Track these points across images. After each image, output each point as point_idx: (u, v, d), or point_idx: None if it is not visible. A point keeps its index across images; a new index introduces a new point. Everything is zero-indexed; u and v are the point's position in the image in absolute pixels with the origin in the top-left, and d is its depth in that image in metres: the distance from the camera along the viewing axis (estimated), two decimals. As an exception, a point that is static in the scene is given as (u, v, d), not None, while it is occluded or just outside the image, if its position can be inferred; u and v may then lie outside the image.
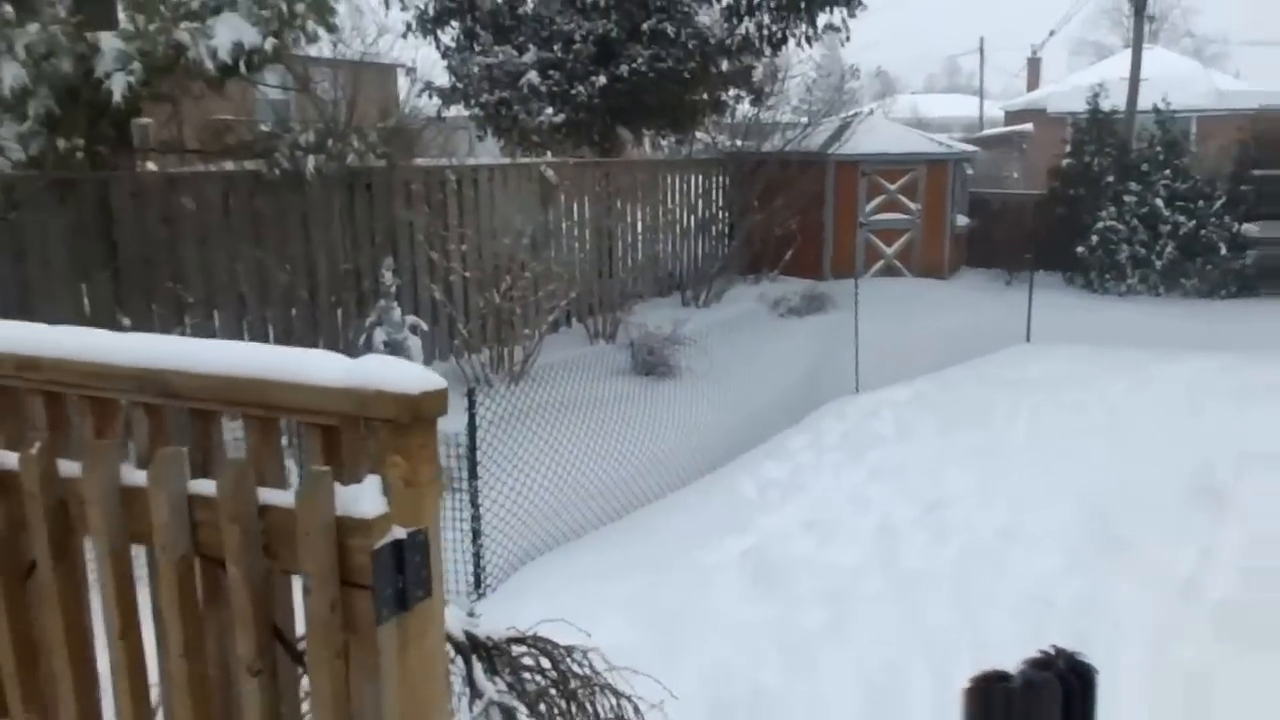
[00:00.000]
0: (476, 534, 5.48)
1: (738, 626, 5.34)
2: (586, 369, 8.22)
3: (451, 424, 5.66)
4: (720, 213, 13.22)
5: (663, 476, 6.85)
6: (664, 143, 13.88)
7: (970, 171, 14.86)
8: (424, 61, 12.68)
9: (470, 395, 5.62)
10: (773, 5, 12.62)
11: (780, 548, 6.06)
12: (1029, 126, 24.71)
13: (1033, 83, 32.85)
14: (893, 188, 13.65)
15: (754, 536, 6.19)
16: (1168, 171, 13.03)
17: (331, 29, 7.09)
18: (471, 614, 3.83)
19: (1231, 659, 4.78)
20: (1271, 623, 5.00)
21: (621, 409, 7.73)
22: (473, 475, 5.49)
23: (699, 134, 13.76)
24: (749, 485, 6.83)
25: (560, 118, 11.76)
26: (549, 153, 12.04)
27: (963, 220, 14.36)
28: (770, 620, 5.40)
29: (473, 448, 5.47)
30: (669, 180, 12.39)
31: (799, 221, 12.83)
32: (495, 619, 5.30)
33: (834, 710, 4.66)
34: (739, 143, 13.25)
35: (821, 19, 13.00)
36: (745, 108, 13.39)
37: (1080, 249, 13.16)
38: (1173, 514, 6.24)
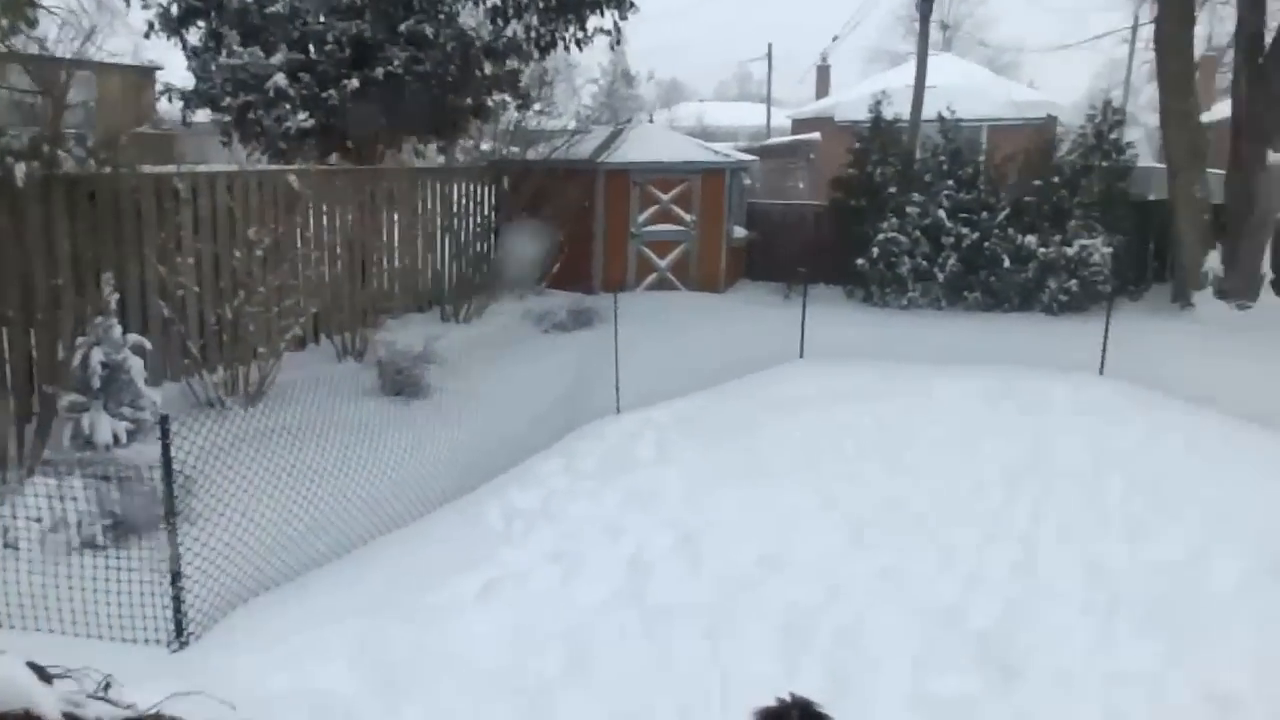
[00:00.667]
0: (176, 576, 4.99)
1: (470, 673, 4.99)
2: (331, 389, 7.66)
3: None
4: (485, 224, 12.84)
5: (402, 506, 6.43)
6: (425, 150, 13.36)
7: (749, 181, 15.15)
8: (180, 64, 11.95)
9: (164, 424, 5.09)
10: (541, 6, 12.45)
11: (522, 584, 5.74)
12: (816, 135, 25.66)
13: (822, 90, 34.31)
14: (666, 198, 13.71)
15: (495, 571, 5.86)
16: (951, 182, 13.49)
17: (32, 24, 6.95)
18: (107, 685, 3.19)
19: (992, 688, 4.81)
20: (1029, 651, 5.08)
21: (365, 433, 7.24)
22: (170, 513, 5.20)
23: (463, 141, 13.34)
24: (495, 514, 6.47)
25: (310, 123, 11.17)
26: (299, 160, 11.38)
27: (741, 232, 14.61)
28: (507, 665, 5.08)
29: (169, 481, 5.13)
30: (429, 189, 11.93)
31: (568, 233, 12.63)
32: (199, 670, 4.74)
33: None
34: (506, 150, 12.91)
35: (592, 22, 12.93)
36: (513, 114, 13.08)
37: (861, 261, 13.47)
38: (941, 536, 6.34)
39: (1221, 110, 17.75)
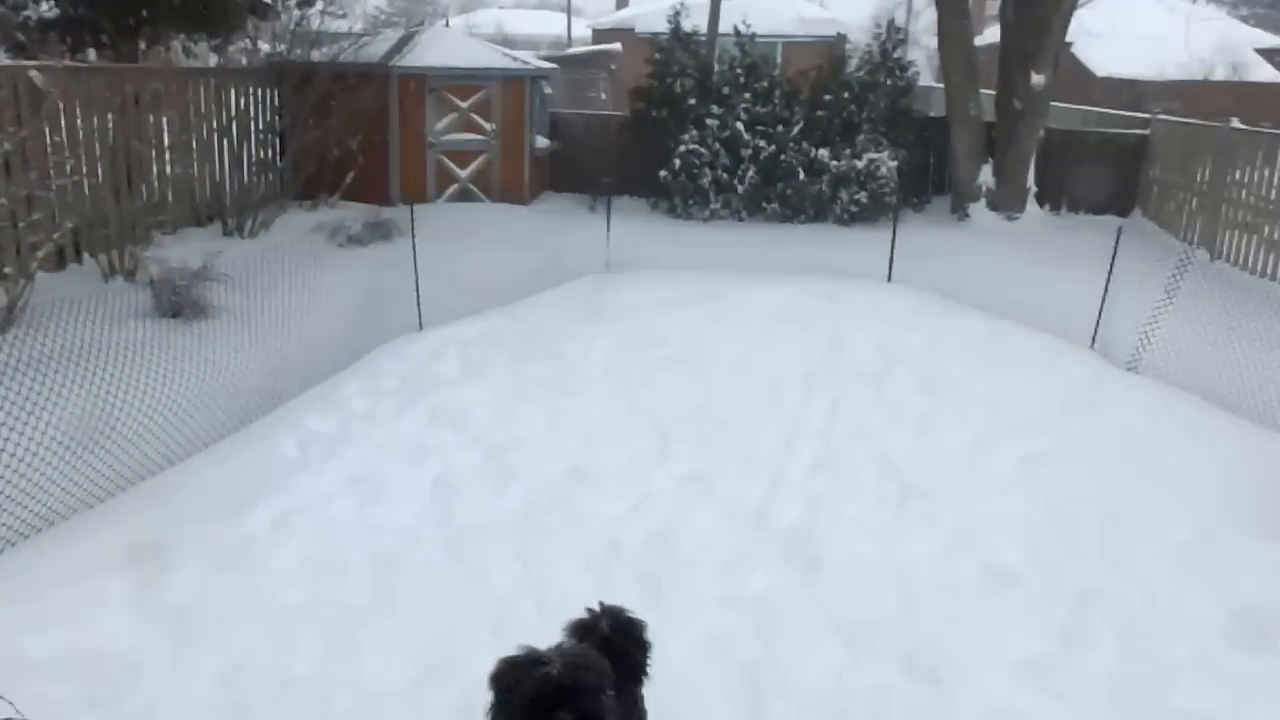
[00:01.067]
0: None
1: (270, 611, 4.70)
2: (97, 312, 6.94)
3: None
4: (268, 130, 11.95)
5: (184, 436, 5.92)
6: (195, 49, 12.25)
7: (550, 91, 14.76)
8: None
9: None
10: (328, -102, 11.52)
11: (322, 512, 5.46)
12: (617, 46, 25.39)
13: (622, 2, 33.93)
14: (464, 105, 13.19)
15: (291, 500, 5.55)
16: (748, 95, 13.61)
17: None
18: None
19: (799, 584, 4.95)
20: (830, 545, 5.25)
21: (139, 358, 6.61)
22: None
23: (240, 41, 12.30)
24: (290, 441, 6.10)
25: (54, 13, 9.95)
26: (43, 56, 10.17)
27: (544, 142, 14.28)
28: (310, 599, 4.81)
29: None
30: (204, 92, 10.97)
31: (361, 141, 11.96)
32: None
33: (378, 696, 4.16)
34: (289, 51, 11.99)
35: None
36: (295, 12, 12.14)
37: (664, 173, 13.47)
38: (746, 439, 6.45)
39: (993, 34, 18.68)
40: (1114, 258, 8.47)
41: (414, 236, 8.48)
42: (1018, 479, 6.02)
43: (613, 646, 3.32)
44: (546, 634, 4.64)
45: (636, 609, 4.70)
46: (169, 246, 9.59)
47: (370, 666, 4.40)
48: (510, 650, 4.31)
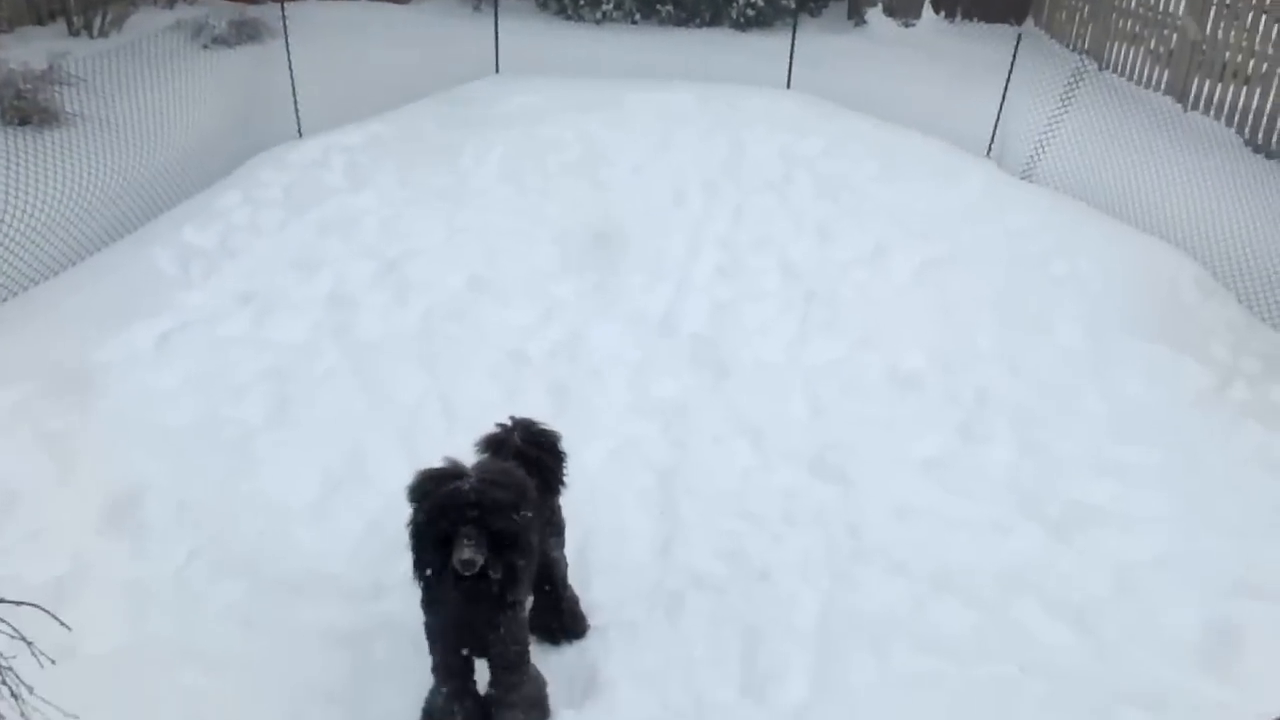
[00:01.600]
0: None
1: (160, 435, 4.47)
2: (-73, 121, 6.18)
3: None
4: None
5: (48, 255, 5.43)
6: None
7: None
8: None
9: None
10: None
11: (209, 329, 5.16)
12: None
13: None
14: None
15: (175, 318, 5.23)
16: (638, -114, 12.71)
17: None
18: None
19: (708, 389, 4.93)
20: (736, 350, 5.22)
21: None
22: None
23: None
24: (167, 256, 5.69)
25: None
26: None
27: (422, -64, 13.11)
28: (201, 420, 4.60)
29: None
30: None
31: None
32: None
33: (286, 513, 4.04)
34: None
35: None
36: None
37: (556, -28, 12.62)
38: (650, 247, 6.29)
39: None
40: (1012, 66, 8.38)
41: (286, 36, 7.76)
42: (917, 284, 6.05)
43: (528, 459, 3.23)
44: (457, 446, 4.55)
45: (548, 419, 4.66)
46: (7, 47, 8.57)
47: (274, 484, 4.25)
48: (426, 463, 4.23)
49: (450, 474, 2.86)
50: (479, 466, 2.89)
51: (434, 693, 3.10)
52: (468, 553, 2.72)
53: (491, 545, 2.77)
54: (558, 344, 5.32)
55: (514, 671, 3.03)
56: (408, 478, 4.28)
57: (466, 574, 2.76)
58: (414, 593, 3.62)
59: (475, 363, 5.10)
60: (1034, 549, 3.92)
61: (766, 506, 4.18)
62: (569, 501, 3.51)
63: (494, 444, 3.32)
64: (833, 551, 3.92)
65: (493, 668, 3.06)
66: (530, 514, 2.91)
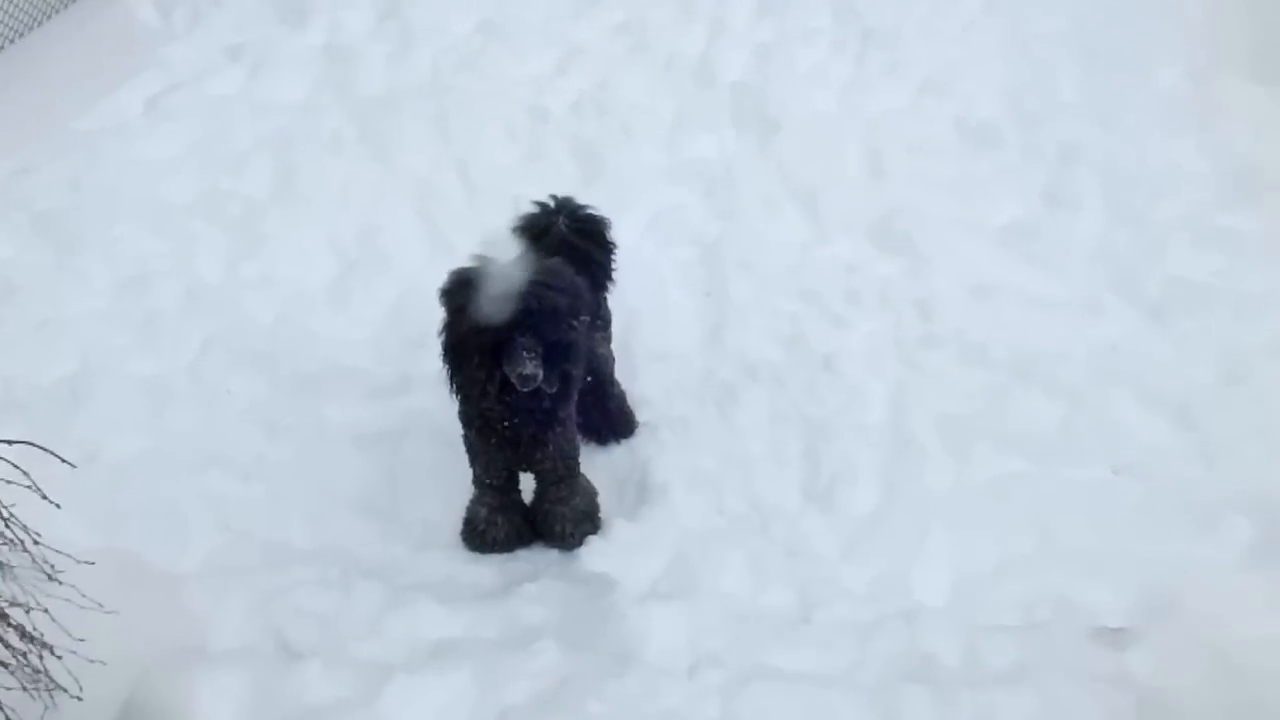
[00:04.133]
0: None
1: (159, 211, 4.03)
2: None
3: None
4: None
5: (7, 12, 4.68)
6: None
7: None
8: None
9: None
10: None
11: (199, 90, 4.56)
12: None
13: None
14: None
15: (162, 78, 4.66)
16: None
17: None
18: None
19: (754, 148, 4.33)
20: (784, 102, 4.53)
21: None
22: None
23: None
24: (145, 6, 4.91)
25: None
26: None
27: None
28: (202, 194, 4.13)
29: None
30: None
31: None
32: None
33: (301, 299, 3.64)
34: None
35: None
36: None
37: None
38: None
39: None
40: None
41: None
42: (988, 17, 5.20)
43: (574, 250, 2.75)
44: (478, 218, 4.07)
45: (575, 187, 4.11)
46: None
47: (285, 266, 3.82)
48: (445, 240, 3.74)
49: (493, 275, 2.39)
50: (522, 264, 2.41)
51: (476, 504, 2.80)
52: (529, 366, 2.33)
53: (545, 356, 2.37)
54: (581, 96, 4.63)
55: (563, 485, 2.71)
56: (427, 256, 3.89)
57: (525, 389, 2.38)
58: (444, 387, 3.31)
59: (491, 120, 4.48)
60: (1129, 333, 3.45)
61: (826, 283, 3.70)
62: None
63: (536, 230, 2.81)
64: (902, 335, 3.49)
65: (541, 482, 2.74)
66: (586, 318, 2.50)
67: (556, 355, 2.40)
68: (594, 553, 2.68)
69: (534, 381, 2.36)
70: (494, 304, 2.33)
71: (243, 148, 4.27)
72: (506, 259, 2.40)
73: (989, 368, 3.33)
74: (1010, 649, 2.40)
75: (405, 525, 2.82)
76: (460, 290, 2.43)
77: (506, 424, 2.53)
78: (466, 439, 2.68)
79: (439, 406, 3.17)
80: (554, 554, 2.73)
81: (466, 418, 2.61)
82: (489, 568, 2.63)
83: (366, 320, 3.55)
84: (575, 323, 2.43)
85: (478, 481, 2.76)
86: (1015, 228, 3.90)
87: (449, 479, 2.93)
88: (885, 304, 3.61)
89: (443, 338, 2.49)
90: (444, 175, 4.24)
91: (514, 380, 2.37)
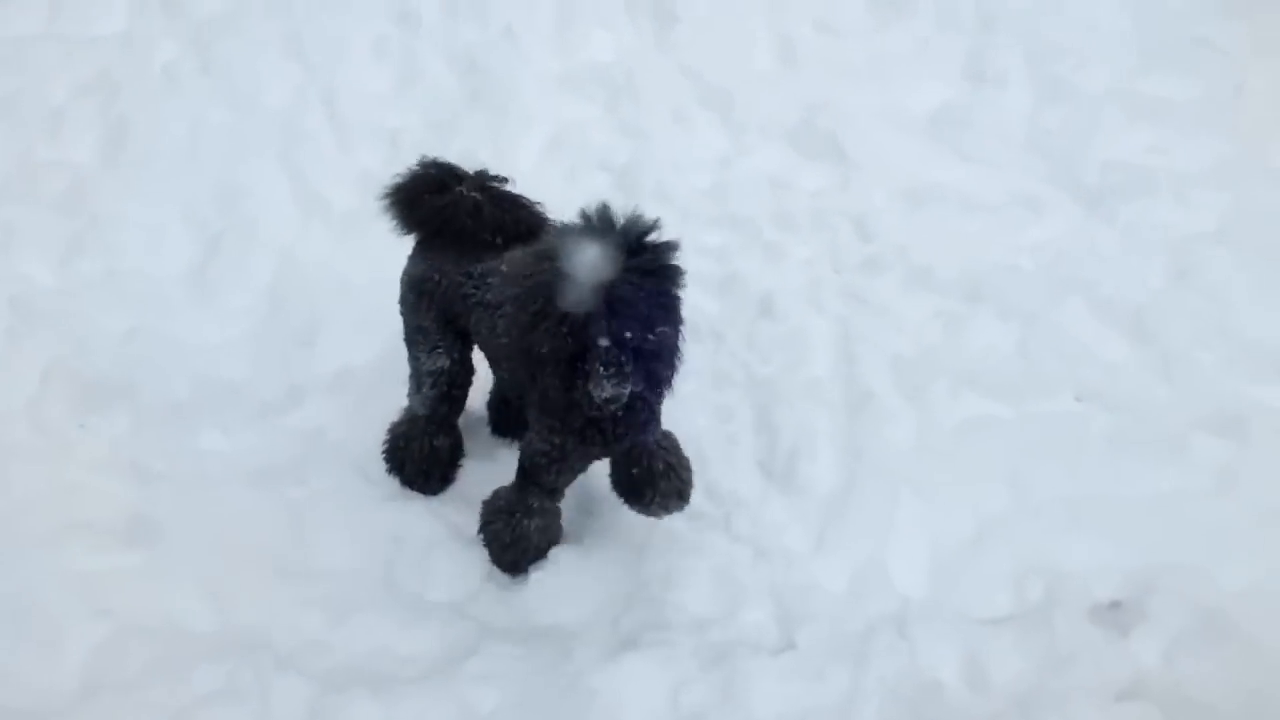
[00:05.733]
0: None
1: None
2: None
3: None
4: None
5: None
6: None
7: None
8: None
9: None
10: None
11: (-10, 33, 3.49)
12: None
13: None
14: None
15: None
16: None
17: None
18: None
19: (648, 42, 3.55)
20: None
21: None
22: None
23: None
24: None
25: None
26: None
27: None
28: (16, 168, 3.23)
29: None
30: None
31: None
32: None
33: (152, 294, 2.89)
34: None
35: None
36: None
37: None
38: None
39: None
40: None
41: None
42: None
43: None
44: (353, 163, 3.23)
45: (460, 108, 3.37)
46: None
47: (131, 256, 2.94)
48: (319, 195, 3.00)
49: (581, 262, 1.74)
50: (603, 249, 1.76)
51: (524, 518, 2.16)
52: (613, 386, 1.77)
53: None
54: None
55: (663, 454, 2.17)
56: (300, 220, 3.08)
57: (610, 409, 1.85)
58: (348, 392, 2.66)
59: (354, 36, 3.59)
60: (1073, 231, 2.93)
61: (753, 206, 3.07)
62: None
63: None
64: (841, 259, 2.91)
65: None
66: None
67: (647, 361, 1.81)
68: (543, 597, 2.15)
69: (619, 402, 1.80)
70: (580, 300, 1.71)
71: (57, 101, 3.32)
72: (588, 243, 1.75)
73: (937, 291, 2.79)
74: (1014, 658, 2.02)
75: (320, 583, 2.18)
76: (544, 287, 1.77)
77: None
78: (540, 453, 2.05)
79: (338, 420, 2.56)
80: (499, 605, 2.17)
81: (557, 428, 1.99)
82: (426, 632, 2.06)
83: (238, 313, 2.78)
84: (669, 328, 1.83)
85: (534, 493, 2.13)
86: (942, 115, 3.28)
87: (363, 513, 2.33)
88: (820, 223, 3.00)
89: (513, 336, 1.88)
90: (308, 111, 3.38)
91: (599, 400, 1.78)
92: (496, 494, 2.21)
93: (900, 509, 2.35)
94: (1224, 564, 2.20)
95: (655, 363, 1.83)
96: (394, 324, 2.36)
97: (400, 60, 3.56)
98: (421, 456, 2.34)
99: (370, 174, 2.96)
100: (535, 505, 2.15)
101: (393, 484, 2.42)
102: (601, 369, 1.72)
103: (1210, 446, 2.45)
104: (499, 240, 2.15)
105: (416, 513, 2.36)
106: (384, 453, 2.39)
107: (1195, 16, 3.48)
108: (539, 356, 1.80)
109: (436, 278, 2.18)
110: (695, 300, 2.77)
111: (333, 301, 2.78)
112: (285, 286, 2.85)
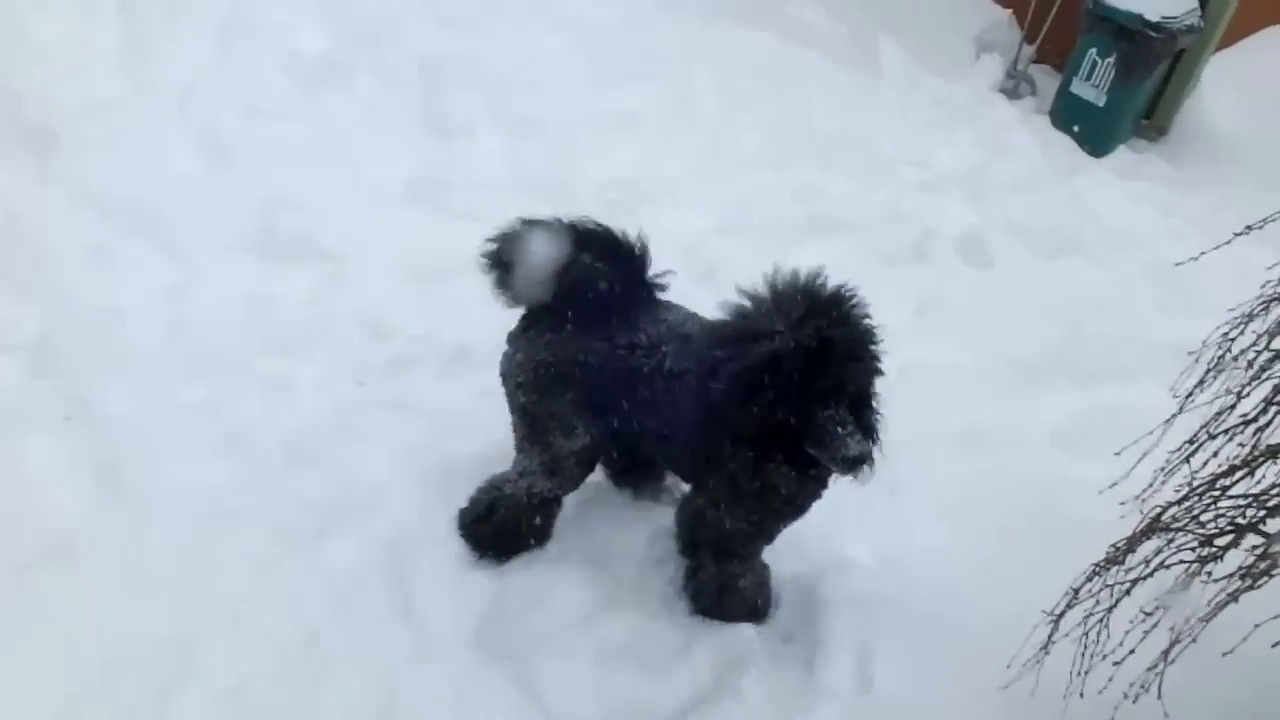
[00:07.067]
0: None
1: None
2: None
3: None
4: None
5: None
6: None
7: None
8: None
9: None
10: None
11: None
12: None
13: None
14: None
15: None
16: None
17: None
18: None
19: None
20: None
21: None
22: None
23: None
24: None
25: None
26: None
27: None
28: None
29: None
30: None
31: None
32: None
33: None
34: None
35: None
36: None
37: None
38: None
39: None
40: None
41: None
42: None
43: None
44: None
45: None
46: None
47: None
48: None
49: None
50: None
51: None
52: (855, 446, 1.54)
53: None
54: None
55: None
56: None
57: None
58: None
59: None
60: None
61: (235, 337, 2.25)
62: None
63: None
64: (365, 367, 2.25)
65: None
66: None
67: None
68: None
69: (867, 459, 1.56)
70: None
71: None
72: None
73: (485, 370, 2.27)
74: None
75: None
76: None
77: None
78: (740, 532, 1.76)
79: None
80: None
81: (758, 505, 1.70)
82: None
83: None
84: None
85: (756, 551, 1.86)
86: (421, 178, 2.76)
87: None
88: (322, 334, 2.31)
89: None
90: None
91: (841, 461, 1.54)
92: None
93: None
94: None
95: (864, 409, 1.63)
96: None
97: None
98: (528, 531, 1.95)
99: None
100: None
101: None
102: (841, 429, 1.53)
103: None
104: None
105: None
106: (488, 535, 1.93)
107: (638, 26, 3.36)
108: (758, 421, 1.53)
109: (582, 357, 1.74)
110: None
111: None
112: None
